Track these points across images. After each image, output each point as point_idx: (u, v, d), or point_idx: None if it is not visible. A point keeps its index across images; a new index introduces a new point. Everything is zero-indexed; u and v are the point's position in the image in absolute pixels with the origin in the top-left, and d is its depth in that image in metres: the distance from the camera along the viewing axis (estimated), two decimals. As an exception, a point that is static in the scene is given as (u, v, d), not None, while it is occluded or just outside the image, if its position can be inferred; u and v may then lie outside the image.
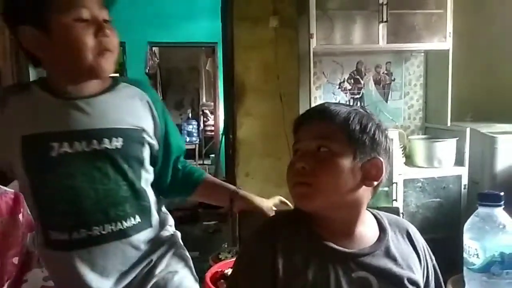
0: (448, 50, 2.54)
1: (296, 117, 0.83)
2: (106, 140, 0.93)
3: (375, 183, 0.78)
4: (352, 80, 2.83)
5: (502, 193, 0.72)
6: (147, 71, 5.50)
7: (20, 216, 0.70)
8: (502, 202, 0.71)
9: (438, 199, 2.52)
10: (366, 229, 0.81)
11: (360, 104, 2.84)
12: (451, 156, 2.52)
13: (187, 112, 7.55)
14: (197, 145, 6.70)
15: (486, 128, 2.47)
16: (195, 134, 6.96)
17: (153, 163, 1.06)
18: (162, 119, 1.06)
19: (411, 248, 0.83)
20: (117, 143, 0.95)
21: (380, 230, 0.82)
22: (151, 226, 1.03)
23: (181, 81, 7.79)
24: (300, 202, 0.78)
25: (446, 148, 2.51)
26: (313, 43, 2.42)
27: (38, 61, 0.95)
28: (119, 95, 0.99)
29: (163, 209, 1.13)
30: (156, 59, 6.06)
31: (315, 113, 0.80)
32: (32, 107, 0.93)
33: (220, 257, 2.21)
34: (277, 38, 2.71)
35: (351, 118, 0.76)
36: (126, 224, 0.98)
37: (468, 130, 2.48)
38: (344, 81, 2.82)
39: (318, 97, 2.77)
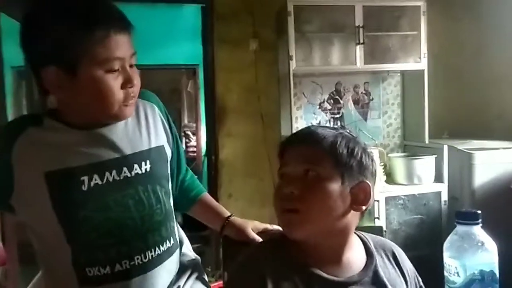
0: (424, 70, 2.62)
1: (278, 138, 0.83)
2: (136, 166, 0.91)
3: (364, 207, 0.77)
4: (331, 100, 2.88)
5: (479, 211, 0.73)
6: (128, 93, 5.47)
7: None
8: (480, 220, 0.72)
9: (419, 216, 2.55)
10: (354, 254, 0.80)
11: (340, 123, 2.88)
12: (431, 173, 2.56)
13: (169, 133, 7.51)
14: (179, 167, 6.64)
15: (463, 145, 2.54)
16: (177, 156, 6.91)
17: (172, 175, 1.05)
18: (172, 128, 1.05)
19: (398, 271, 0.83)
20: (146, 166, 0.92)
21: (367, 255, 0.81)
22: (177, 246, 1.01)
23: (162, 103, 7.77)
24: (289, 230, 0.76)
25: (425, 165, 2.55)
26: (293, 64, 2.47)
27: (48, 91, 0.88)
28: (136, 114, 0.96)
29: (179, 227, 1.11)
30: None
31: (301, 137, 0.79)
32: (49, 141, 0.87)
33: (203, 281, 2.16)
34: (257, 60, 2.75)
35: (338, 142, 0.76)
36: (163, 248, 0.95)
37: (445, 147, 2.54)
38: (324, 101, 2.86)
39: (299, 117, 2.81)
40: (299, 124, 2.77)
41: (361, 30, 2.51)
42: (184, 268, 1.03)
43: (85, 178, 0.86)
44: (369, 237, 0.85)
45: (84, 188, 0.86)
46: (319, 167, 0.74)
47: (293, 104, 2.58)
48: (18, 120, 0.97)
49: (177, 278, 1.00)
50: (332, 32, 2.57)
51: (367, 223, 2.44)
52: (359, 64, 2.56)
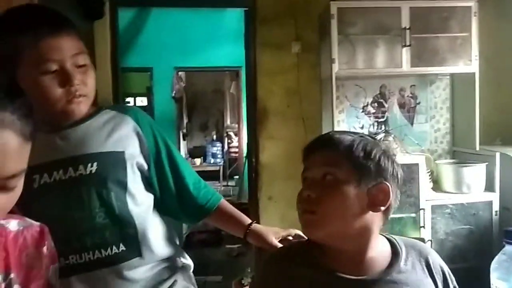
0: (474, 73, 2.49)
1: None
2: (81, 167, 0.94)
3: (382, 208, 0.79)
4: (375, 104, 2.80)
5: (530, 230, 0.69)
6: (173, 95, 5.63)
7: (45, 248, 0.72)
8: (531, 240, 0.68)
9: (468, 226, 2.43)
10: (378, 255, 0.81)
11: (385, 127, 2.80)
12: (481, 181, 2.43)
13: (211, 134, 7.64)
14: (221, 167, 6.74)
15: (517, 153, 2.39)
16: (219, 156, 7.01)
17: (154, 186, 1.04)
18: (151, 140, 1.04)
19: (427, 273, 0.82)
20: (92, 168, 0.94)
21: (393, 255, 0.82)
22: (140, 255, 0.99)
23: (206, 104, 7.93)
24: (306, 230, 0.81)
25: (475, 173, 2.43)
26: (335, 67, 2.43)
27: None
28: (98, 121, 1.00)
29: (176, 240, 1.10)
30: (182, 83, 6.21)
31: (320, 142, 0.83)
32: None
33: (243, 282, 2.19)
34: (299, 63, 2.74)
35: (355, 145, 0.79)
36: (106, 252, 0.95)
37: (498, 154, 2.40)
38: (367, 105, 2.80)
39: (341, 121, 2.76)
40: (341, 127, 2.73)
41: (407, 32, 2.42)
42: (162, 277, 1.02)
43: (37, 177, 0.92)
44: (400, 239, 0.86)
45: (35, 185, 0.92)
46: (336, 171, 0.77)
47: (335, 108, 2.54)
48: None
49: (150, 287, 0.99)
50: (377, 34, 2.51)
51: (412, 232, 2.37)
52: (405, 67, 2.47)
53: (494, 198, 2.41)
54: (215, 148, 7.05)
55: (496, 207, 2.41)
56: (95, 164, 0.95)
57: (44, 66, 0.88)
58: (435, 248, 2.41)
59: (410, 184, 2.31)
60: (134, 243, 0.98)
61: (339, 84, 2.68)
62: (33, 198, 0.90)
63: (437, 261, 0.84)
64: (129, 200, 0.98)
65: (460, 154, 2.74)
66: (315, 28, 2.71)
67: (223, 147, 7.15)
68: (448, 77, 2.80)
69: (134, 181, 1.00)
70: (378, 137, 2.49)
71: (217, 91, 7.85)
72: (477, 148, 2.53)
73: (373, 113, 2.80)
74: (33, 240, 0.70)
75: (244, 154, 5.14)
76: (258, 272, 0.88)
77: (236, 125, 6.66)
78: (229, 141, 7.16)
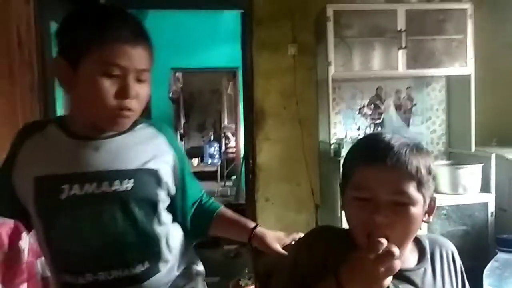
0: (470, 74, 2.51)
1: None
2: (116, 182, 0.91)
3: (432, 216, 0.81)
4: (372, 106, 2.81)
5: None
6: (170, 95, 5.63)
7: (21, 242, 0.71)
8: (523, 247, 0.69)
9: (464, 227, 2.44)
10: (407, 254, 0.82)
11: (381, 129, 2.81)
12: (477, 182, 2.44)
13: (209, 134, 7.65)
14: (218, 167, 6.74)
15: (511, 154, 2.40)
16: (216, 156, 7.02)
17: (171, 205, 1.04)
18: (180, 163, 1.03)
19: (452, 269, 0.85)
20: (128, 184, 0.91)
21: (420, 254, 0.84)
22: (159, 271, 0.99)
23: (203, 104, 7.93)
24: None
25: (471, 174, 2.44)
26: (332, 70, 2.44)
27: None
28: (135, 136, 0.97)
29: (191, 247, 1.10)
30: (179, 84, 6.21)
31: (384, 158, 0.76)
32: (46, 148, 0.92)
33: (240, 283, 2.20)
34: (295, 65, 2.74)
35: (421, 164, 0.76)
36: (135, 270, 0.94)
37: (493, 155, 2.42)
38: (364, 107, 2.80)
39: (337, 122, 2.77)
40: (337, 129, 2.74)
41: (403, 34, 2.43)
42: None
43: (66, 187, 0.88)
44: (426, 237, 0.88)
45: (63, 196, 0.88)
46: (407, 195, 0.75)
47: (332, 109, 2.55)
48: (29, 125, 1.00)
49: None
50: (373, 37, 2.52)
51: (407, 233, 2.38)
52: (401, 69, 2.48)
53: (490, 199, 2.42)
54: (212, 149, 7.06)
55: (492, 208, 2.42)
56: (131, 180, 0.92)
57: (108, 68, 0.86)
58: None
59: (406, 186, 2.32)
60: (157, 261, 0.98)
61: (335, 86, 2.69)
62: (59, 210, 0.89)
63: (458, 260, 0.88)
64: (156, 219, 0.98)
65: (456, 156, 2.75)
66: (312, 31, 2.72)
67: (220, 147, 7.15)
68: (444, 79, 2.82)
69: (162, 200, 0.99)
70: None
71: (214, 92, 7.85)
72: (473, 150, 2.54)
73: (370, 115, 2.81)
74: (8, 237, 0.70)
75: (242, 155, 5.15)
76: (303, 239, 0.88)
77: (234, 125, 6.67)
78: (227, 141, 7.16)
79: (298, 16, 2.72)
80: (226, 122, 7.54)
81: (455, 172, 2.46)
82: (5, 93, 1.49)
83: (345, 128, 2.77)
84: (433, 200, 0.80)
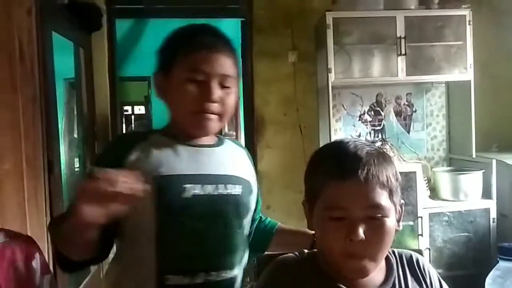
0: (470, 80, 2.52)
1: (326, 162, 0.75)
2: (230, 186, 0.96)
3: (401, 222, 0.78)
4: (372, 112, 2.82)
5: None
6: (171, 103, 5.65)
7: (34, 262, 0.71)
8: (524, 255, 0.69)
9: (466, 234, 2.44)
10: (375, 271, 0.79)
11: (382, 135, 2.82)
12: (478, 188, 2.44)
13: (209, 141, 7.64)
14: (219, 174, 6.73)
15: (513, 159, 2.40)
16: (217, 163, 7.01)
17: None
18: (256, 179, 1.08)
19: (421, 278, 0.81)
20: (238, 190, 0.97)
21: (387, 268, 0.80)
22: (240, 279, 1.01)
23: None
24: (356, 276, 0.75)
25: (472, 180, 2.44)
26: (332, 77, 2.45)
27: None
28: (229, 149, 1.04)
29: None
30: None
31: (355, 171, 0.72)
32: (159, 152, 0.94)
33: None
34: (295, 72, 2.75)
35: (389, 173, 0.74)
36: (233, 273, 0.96)
37: (494, 161, 2.42)
38: (364, 113, 2.81)
39: (338, 129, 2.78)
40: (338, 136, 2.74)
41: (403, 41, 2.45)
42: None
43: (188, 186, 0.91)
44: (393, 252, 0.84)
45: (186, 195, 0.91)
46: (381, 208, 0.72)
47: (332, 116, 2.56)
48: (130, 134, 1.04)
49: None
50: (373, 44, 2.53)
51: (410, 240, 2.37)
52: (401, 75, 2.49)
53: (491, 205, 2.42)
54: (213, 156, 7.05)
55: (493, 214, 2.42)
56: (240, 186, 0.97)
57: (193, 74, 0.92)
58: (433, 256, 2.41)
59: (407, 193, 2.32)
60: (241, 268, 1.00)
61: (335, 93, 2.70)
62: (181, 208, 0.91)
63: (429, 271, 0.84)
64: (247, 226, 1.02)
65: (456, 162, 2.75)
66: (311, 38, 2.73)
67: (221, 154, 7.14)
68: (443, 85, 2.83)
69: (252, 210, 1.04)
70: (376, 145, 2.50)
71: (214, 99, 7.86)
72: (474, 155, 2.54)
73: (370, 121, 2.82)
74: (21, 253, 0.70)
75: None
76: (264, 276, 0.83)
77: (234, 133, 6.67)
78: (227, 148, 7.16)
79: (298, 24, 2.74)
80: (226, 130, 7.54)
81: (456, 178, 2.47)
82: (7, 104, 1.50)
83: (346, 134, 2.78)
84: (401, 206, 0.78)
